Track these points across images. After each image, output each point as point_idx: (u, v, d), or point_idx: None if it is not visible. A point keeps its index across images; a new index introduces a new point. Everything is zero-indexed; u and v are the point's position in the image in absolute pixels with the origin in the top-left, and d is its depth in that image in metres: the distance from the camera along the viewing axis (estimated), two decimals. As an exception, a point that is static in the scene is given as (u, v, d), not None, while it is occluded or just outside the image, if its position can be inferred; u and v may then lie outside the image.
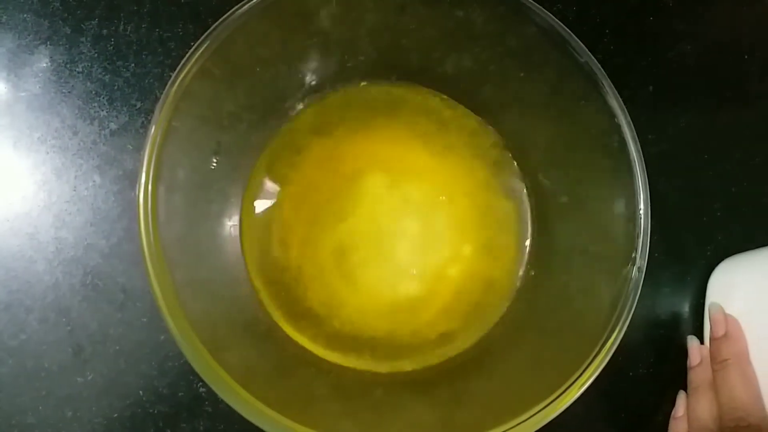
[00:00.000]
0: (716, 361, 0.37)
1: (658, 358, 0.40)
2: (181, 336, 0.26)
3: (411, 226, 0.36)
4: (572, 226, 0.33)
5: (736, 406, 0.35)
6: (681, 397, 0.38)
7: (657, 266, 0.40)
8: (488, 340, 0.34)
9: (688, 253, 0.41)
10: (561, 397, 0.27)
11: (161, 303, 0.26)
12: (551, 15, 0.29)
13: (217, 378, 0.26)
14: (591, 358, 0.27)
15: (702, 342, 0.39)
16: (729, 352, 0.36)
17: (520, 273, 0.35)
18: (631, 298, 0.28)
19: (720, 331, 0.37)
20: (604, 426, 0.39)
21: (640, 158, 0.28)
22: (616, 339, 0.27)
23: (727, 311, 0.38)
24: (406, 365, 0.34)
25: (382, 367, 0.34)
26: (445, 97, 0.36)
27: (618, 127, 0.29)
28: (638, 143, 0.29)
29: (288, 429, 0.26)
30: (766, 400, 0.35)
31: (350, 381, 0.33)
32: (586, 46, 0.29)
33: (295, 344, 0.34)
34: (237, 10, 0.29)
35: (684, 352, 0.40)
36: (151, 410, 0.36)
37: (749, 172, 0.42)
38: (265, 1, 0.29)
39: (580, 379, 0.27)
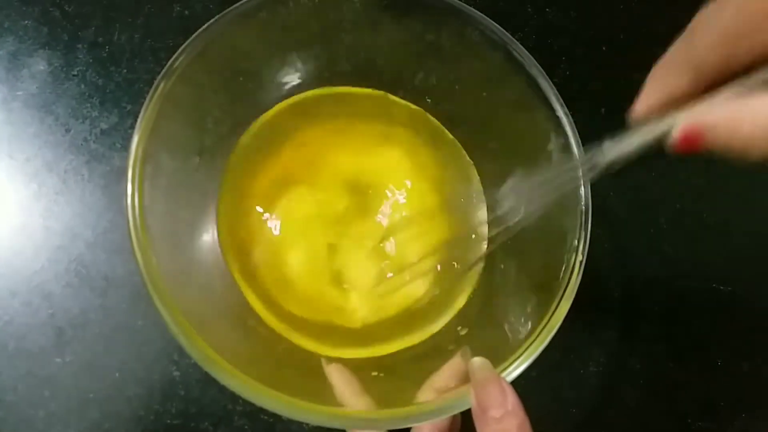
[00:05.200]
0: None
1: (607, 355, 0.42)
2: (161, 303, 0.27)
3: (380, 227, 0.38)
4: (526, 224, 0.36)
5: None
6: None
7: (606, 269, 0.43)
8: (456, 321, 0.37)
9: (636, 261, 0.44)
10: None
11: (144, 275, 0.28)
12: (510, 36, 0.33)
13: (195, 344, 0.28)
14: (536, 333, 0.30)
15: None
16: None
17: (481, 265, 0.38)
18: (572, 284, 0.31)
19: None
20: (555, 423, 0.41)
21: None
22: (559, 316, 0.30)
23: None
24: (380, 351, 0.36)
25: (361, 354, 0.36)
26: (413, 106, 0.40)
27: (566, 135, 0.33)
28: (581, 146, 0.32)
29: (262, 393, 0.27)
30: None
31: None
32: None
33: (276, 334, 0.36)
34: (219, 18, 0.32)
35: (633, 348, 0.42)
36: (126, 392, 0.37)
37: (692, 190, 0.46)
38: (243, 8, 0.33)
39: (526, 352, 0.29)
